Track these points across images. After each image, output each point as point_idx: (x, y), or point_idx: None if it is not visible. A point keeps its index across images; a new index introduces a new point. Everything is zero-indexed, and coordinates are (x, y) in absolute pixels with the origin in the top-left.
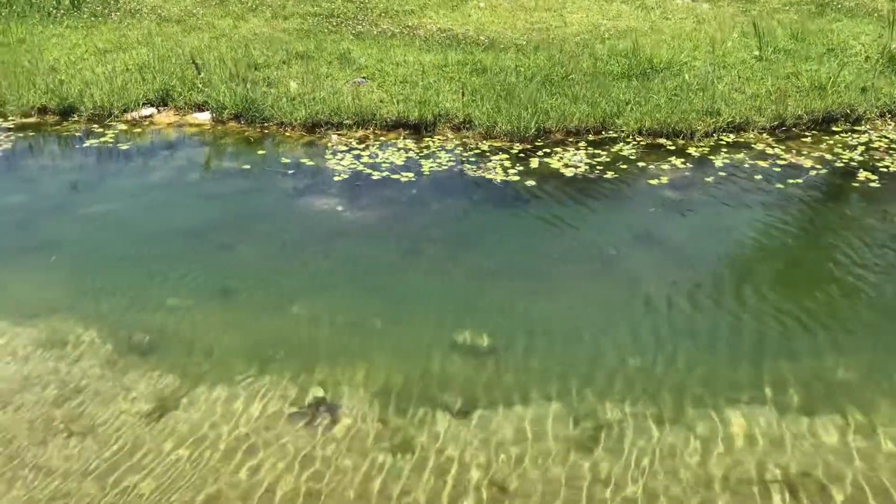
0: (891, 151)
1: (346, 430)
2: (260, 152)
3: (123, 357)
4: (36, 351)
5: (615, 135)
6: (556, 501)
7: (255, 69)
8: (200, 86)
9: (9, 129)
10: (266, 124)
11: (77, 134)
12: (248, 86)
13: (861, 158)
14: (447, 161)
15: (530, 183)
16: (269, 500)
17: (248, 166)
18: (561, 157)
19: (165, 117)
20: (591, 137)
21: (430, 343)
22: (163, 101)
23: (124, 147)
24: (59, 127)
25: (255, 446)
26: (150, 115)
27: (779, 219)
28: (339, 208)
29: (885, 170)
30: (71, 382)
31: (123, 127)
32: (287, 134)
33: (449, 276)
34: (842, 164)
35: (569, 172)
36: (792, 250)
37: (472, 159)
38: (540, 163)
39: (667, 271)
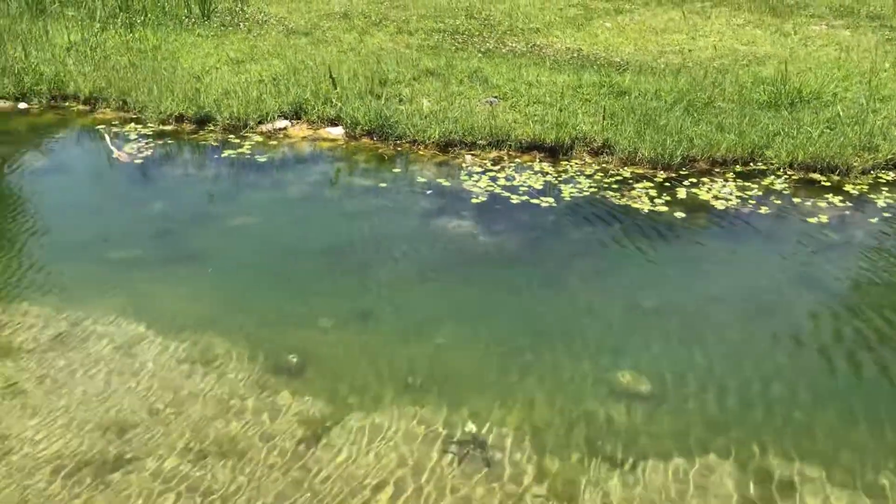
0: None
1: (500, 471)
2: (395, 170)
3: (273, 377)
4: (186, 366)
5: (764, 167)
6: None
7: (386, 85)
8: (335, 100)
9: (148, 136)
10: (399, 141)
11: (214, 144)
12: (383, 102)
13: None
14: (588, 187)
15: (679, 214)
16: None
17: (384, 184)
18: (709, 189)
19: (299, 130)
20: (738, 168)
21: (586, 382)
22: (296, 114)
23: (262, 160)
24: (195, 136)
25: (404, 481)
26: (284, 128)
27: None
28: (477, 232)
29: None
30: (222, 401)
31: (259, 138)
32: (420, 152)
33: (598, 310)
34: None
35: (719, 205)
36: None
37: (615, 186)
38: (687, 193)
39: (830, 321)
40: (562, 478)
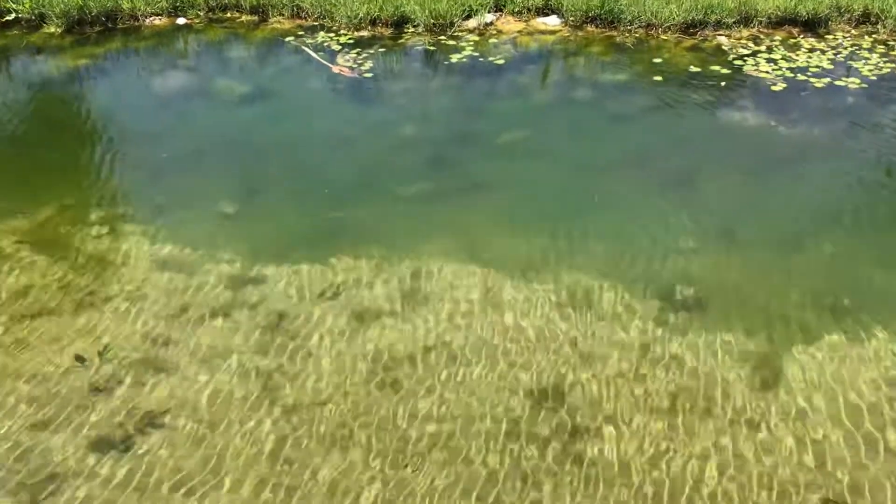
0: None
1: None
2: (655, 60)
3: (670, 312)
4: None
5: None
6: None
7: None
8: None
9: (349, 45)
10: (630, 27)
11: (430, 47)
12: None
13: None
14: (881, 62)
15: None
16: None
17: (658, 77)
18: None
19: (508, 24)
20: None
21: None
22: (496, 6)
23: (498, 61)
24: (401, 40)
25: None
26: (492, 23)
27: None
28: (789, 128)
29: None
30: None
31: (473, 37)
32: (662, 37)
33: None
34: None
35: None
36: None
37: None
38: None
39: None
40: None
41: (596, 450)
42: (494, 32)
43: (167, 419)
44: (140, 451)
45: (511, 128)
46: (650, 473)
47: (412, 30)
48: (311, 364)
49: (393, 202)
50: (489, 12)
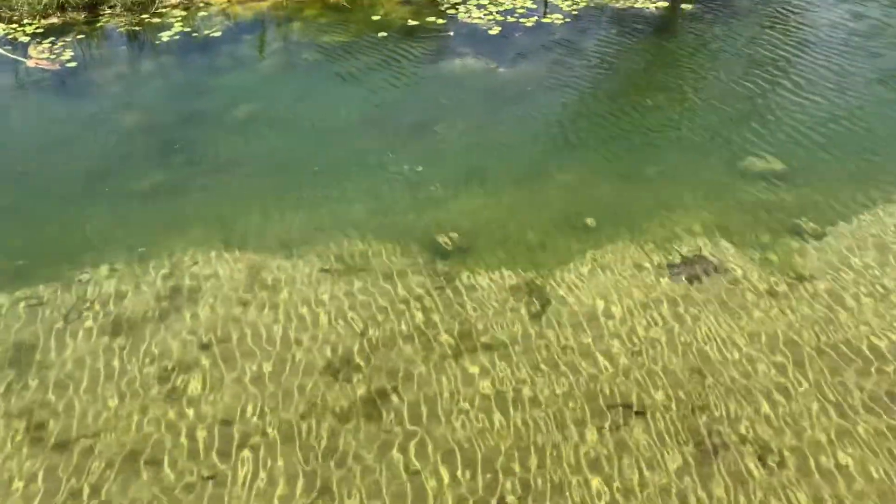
0: None
1: None
2: (373, 17)
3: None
4: None
5: None
6: None
7: None
8: None
9: (39, 36)
10: None
11: (136, 28)
12: None
13: None
14: None
15: (686, 7)
16: None
17: (383, 33)
18: None
19: None
20: None
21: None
22: None
23: (214, 33)
24: (98, 24)
25: None
26: None
27: None
28: (509, 67)
29: None
30: None
31: (180, 12)
32: None
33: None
34: None
35: None
36: None
37: None
38: None
39: None
40: None
41: (395, 407)
42: (202, 5)
43: None
44: None
45: (241, 102)
46: (447, 420)
47: (109, 11)
48: (73, 392)
49: (129, 200)
50: None
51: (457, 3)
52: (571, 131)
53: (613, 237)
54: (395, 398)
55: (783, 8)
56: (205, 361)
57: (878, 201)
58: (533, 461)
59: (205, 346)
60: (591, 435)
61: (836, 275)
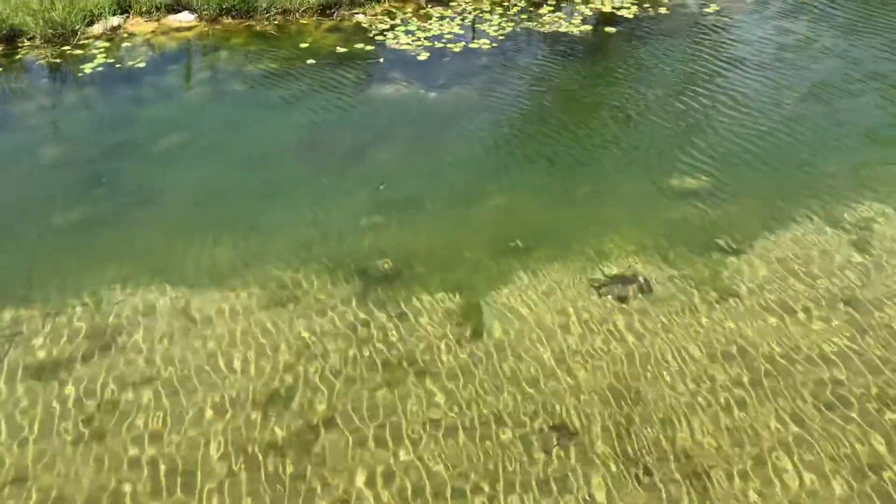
0: None
1: None
2: (301, 45)
3: (372, 288)
4: None
5: None
6: None
7: None
8: None
9: None
10: (268, 15)
11: (56, 60)
12: None
13: None
14: (501, 22)
15: (609, 30)
16: None
17: (311, 60)
18: (604, 1)
19: (139, 25)
20: None
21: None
22: (120, 9)
23: (138, 65)
24: (16, 57)
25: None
26: (119, 26)
27: None
28: (439, 92)
29: None
30: None
31: (102, 44)
32: (302, 21)
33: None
34: None
35: (626, 14)
36: None
37: (525, 17)
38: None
39: None
40: None
41: (329, 440)
42: (126, 36)
43: None
44: None
45: (168, 132)
46: (387, 448)
47: (28, 43)
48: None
49: (54, 236)
50: (114, 15)
51: (385, 30)
52: (505, 153)
53: (545, 258)
54: (323, 430)
55: (712, 26)
56: (130, 398)
57: (811, 214)
58: (467, 486)
59: (133, 385)
60: (523, 457)
61: (762, 289)
